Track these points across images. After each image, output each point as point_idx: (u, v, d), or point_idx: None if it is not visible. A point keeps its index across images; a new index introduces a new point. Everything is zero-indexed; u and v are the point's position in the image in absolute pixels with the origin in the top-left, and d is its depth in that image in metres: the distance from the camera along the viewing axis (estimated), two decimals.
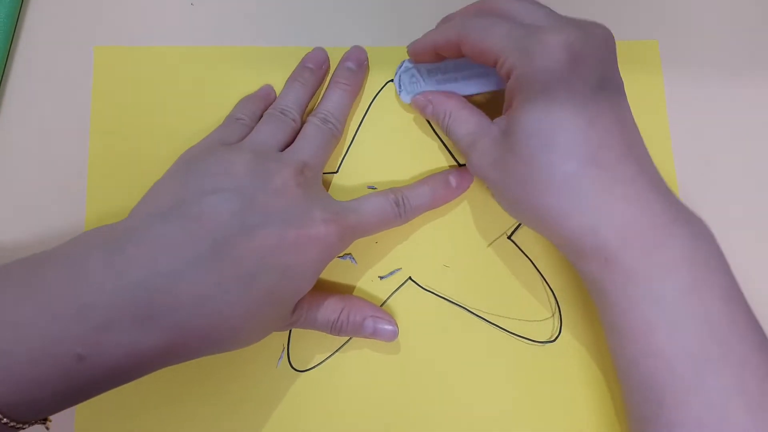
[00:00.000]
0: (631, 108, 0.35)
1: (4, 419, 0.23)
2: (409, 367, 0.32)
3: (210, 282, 0.25)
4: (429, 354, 0.33)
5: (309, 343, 0.33)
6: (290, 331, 0.33)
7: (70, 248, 0.25)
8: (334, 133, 0.33)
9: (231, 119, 0.33)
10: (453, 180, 0.33)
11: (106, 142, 0.34)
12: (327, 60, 0.35)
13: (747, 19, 0.37)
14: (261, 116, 0.33)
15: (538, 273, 0.33)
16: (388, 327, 0.31)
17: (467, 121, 0.31)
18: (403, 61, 0.34)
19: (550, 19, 0.28)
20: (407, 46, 0.33)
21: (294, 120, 0.32)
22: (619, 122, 0.27)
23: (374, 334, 0.31)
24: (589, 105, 0.26)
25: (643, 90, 0.35)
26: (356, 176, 0.34)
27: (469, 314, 0.33)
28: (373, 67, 0.35)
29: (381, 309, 0.32)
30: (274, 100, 0.34)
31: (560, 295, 0.33)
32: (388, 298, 0.33)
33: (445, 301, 0.33)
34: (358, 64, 0.34)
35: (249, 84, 0.35)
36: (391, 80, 0.35)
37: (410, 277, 0.33)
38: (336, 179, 0.34)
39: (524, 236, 0.34)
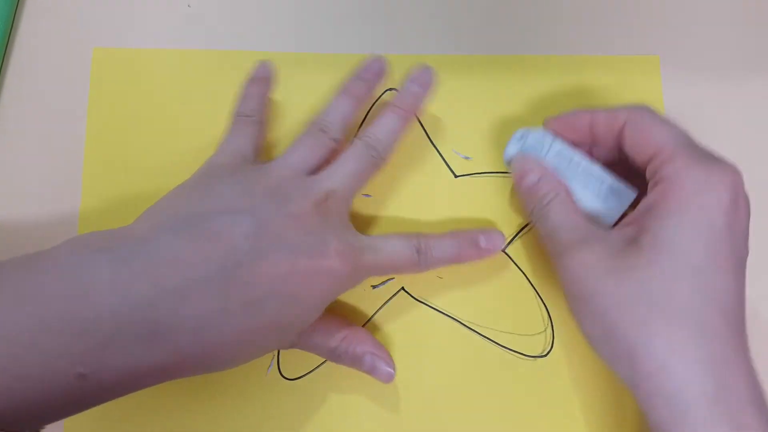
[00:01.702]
0: None
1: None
2: (400, 379, 0.32)
3: (215, 306, 0.24)
4: (420, 365, 0.32)
5: (299, 351, 0.32)
6: None
7: (73, 255, 0.24)
8: (377, 162, 0.30)
9: (240, 118, 0.32)
10: (483, 240, 0.30)
11: (101, 143, 0.34)
12: (385, 71, 0.32)
13: (747, 35, 0.36)
14: (267, 102, 0.33)
15: (531, 287, 0.33)
16: (386, 368, 0.30)
17: (573, 214, 0.28)
18: (527, 131, 0.31)
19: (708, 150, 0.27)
20: (549, 118, 0.30)
21: (334, 139, 0.30)
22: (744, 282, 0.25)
23: (371, 370, 0.30)
24: (738, 255, 0.25)
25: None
26: None
27: (461, 326, 0.33)
28: None
29: (383, 347, 0.31)
30: (275, 77, 0.33)
31: (553, 310, 0.33)
32: (380, 308, 0.33)
33: (438, 312, 0.33)
34: (424, 88, 0.32)
35: None
36: (391, 89, 0.35)
37: (403, 288, 0.33)
38: None
39: (518, 249, 0.34)
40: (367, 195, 0.34)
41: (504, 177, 0.34)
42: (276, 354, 0.32)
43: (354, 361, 0.30)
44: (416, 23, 0.36)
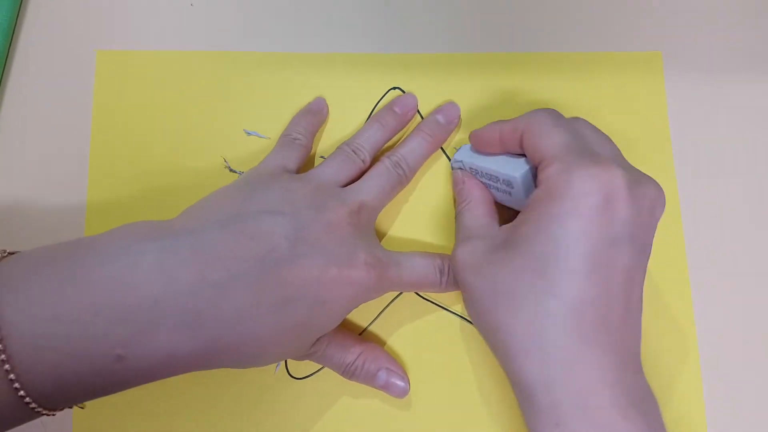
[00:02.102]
0: (633, 118, 0.35)
1: (38, 407, 0.23)
2: (408, 376, 0.32)
3: (251, 301, 0.25)
4: (427, 362, 0.33)
5: None
6: None
7: (121, 241, 0.25)
8: (402, 180, 0.32)
9: (287, 139, 0.33)
10: None
11: (107, 145, 0.34)
12: (415, 108, 0.35)
13: (750, 31, 0.36)
14: (315, 132, 0.34)
15: None
16: (400, 383, 0.31)
17: (478, 217, 0.31)
18: (463, 147, 0.34)
19: (610, 153, 0.28)
20: (470, 134, 0.32)
21: (363, 161, 0.32)
22: (626, 285, 0.25)
23: (385, 387, 0.31)
24: (600, 257, 0.24)
25: (646, 100, 0.35)
26: None
27: (467, 323, 0.33)
28: (376, 74, 0.35)
29: (397, 363, 0.32)
30: (326, 114, 0.35)
31: None
32: (386, 306, 0.33)
33: (444, 310, 0.33)
34: (448, 120, 0.34)
35: (250, 88, 0.35)
36: (395, 88, 0.35)
37: None
38: None
39: None
40: None
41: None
42: None
43: (368, 378, 0.31)
44: (416, 22, 0.36)
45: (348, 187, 0.31)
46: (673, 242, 0.34)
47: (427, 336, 0.33)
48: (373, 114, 0.35)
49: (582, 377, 0.24)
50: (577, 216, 0.24)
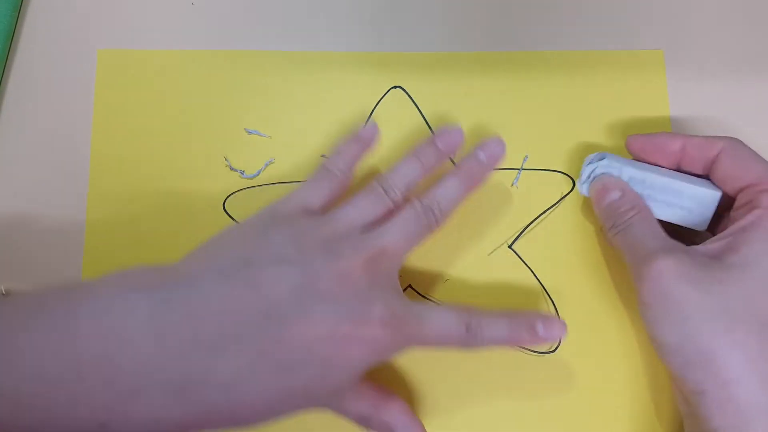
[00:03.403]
0: (635, 117, 0.35)
1: None
2: (408, 377, 0.32)
3: (248, 363, 0.24)
4: (427, 363, 0.33)
5: None
6: None
7: (113, 292, 0.24)
8: (431, 227, 0.29)
9: (324, 170, 0.31)
10: (540, 328, 0.28)
11: (108, 145, 0.34)
12: (460, 143, 0.32)
13: (751, 29, 0.36)
14: (358, 164, 0.32)
15: (538, 282, 0.33)
16: None
17: (656, 228, 0.28)
18: (598, 155, 0.31)
19: None
20: (633, 139, 0.31)
21: (394, 201, 0.29)
22: None
23: None
24: None
25: (647, 99, 0.35)
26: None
27: None
28: (377, 72, 0.35)
29: (415, 418, 0.29)
30: (376, 142, 0.32)
31: (560, 306, 0.33)
32: None
33: None
34: (491, 159, 0.31)
35: (251, 87, 0.35)
36: (397, 87, 0.35)
37: (410, 285, 0.33)
38: None
39: (525, 246, 0.34)
40: None
41: (509, 172, 0.34)
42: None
43: (383, 430, 0.28)
44: (418, 20, 0.36)
45: (371, 231, 0.28)
46: None
47: None
48: (371, 117, 0.35)
49: None
50: None
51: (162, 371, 0.23)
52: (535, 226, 0.34)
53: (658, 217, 0.29)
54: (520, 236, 0.34)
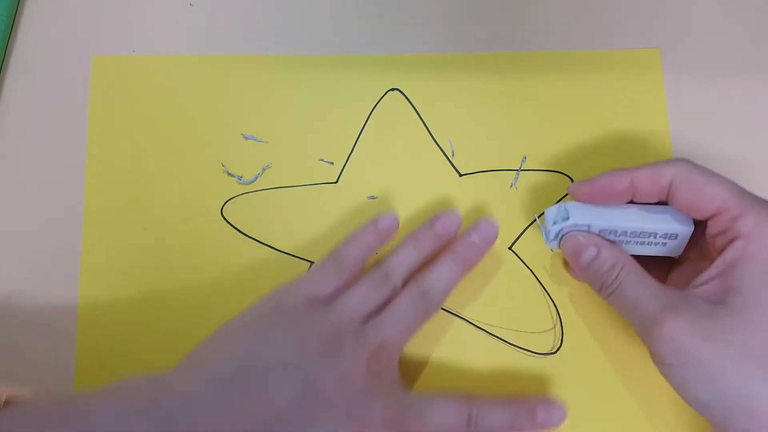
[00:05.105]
0: (633, 116, 0.35)
1: None
2: (410, 379, 0.32)
3: None
4: (429, 365, 0.32)
5: None
6: None
7: (113, 412, 0.24)
8: (429, 311, 0.30)
9: (335, 258, 0.30)
10: (541, 413, 0.28)
11: (103, 151, 0.34)
12: (457, 230, 0.31)
13: (748, 27, 0.36)
14: (372, 254, 0.31)
15: (539, 284, 0.33)
16: None
17: (647, 281, 0.27)
18: (562, 211, 0.30)
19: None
20: (576, 186, 0.29)
21: (396, 286, 0.30)
22: None
23: None
24: None
25: (645, 98, 0.35)
26: (356, 187, 0.34)
27: (470, 325, 0.33)
28: (375, 75, 0.35)
29: None
30: (395, 233, 0.31)
31: (561, 307, 0.33)
32: None
33: (446, 312, 0.33)
34: (484, 241, 0.31)
35: (247, 91, 0.35)
36: (394, 89, 0.35)
37: None
38: (336, 190, 0.34)
39: (525, 247, 0.34)
40: (372, 197, 0.34)
41: (507, 173, 0.34)
42: None
43: None
44: (414, 22, 0.36)
45: (371, 322, 0.28)
46: None
47: (428, 337, 0.33)
48: (368, 120, 0.35)
49: None
50: None
51: None
52: (534, 227, 0.34)
53: (633, 254, 0.29)
54: (519, 237, 0.34)
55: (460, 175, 0.34)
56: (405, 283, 0.30)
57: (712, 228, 0.27)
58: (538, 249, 0.33)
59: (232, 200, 0.34)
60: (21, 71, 0.35)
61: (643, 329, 0.27)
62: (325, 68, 0.35)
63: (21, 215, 0.34)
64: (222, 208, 0.34)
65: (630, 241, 0.29)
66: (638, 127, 0.35)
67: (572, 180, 0.34)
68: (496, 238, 0.32)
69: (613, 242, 0.29)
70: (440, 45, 0.36)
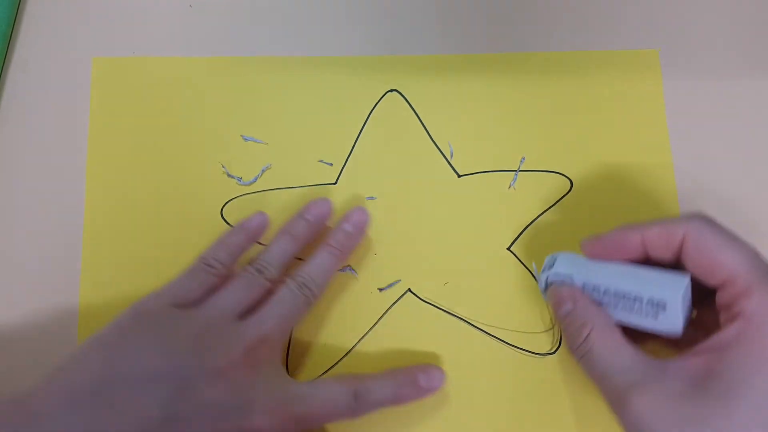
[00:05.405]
0: (631, 117, 0.35)
1: None
2: None
3: None
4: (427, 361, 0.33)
5: (309, 352, 0.33)
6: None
7: None
8: (309, 302, 0.30)
9: (200, 265, 0.30)
10: (422, 379, 0.29)
11: (104, 154, 0.34)
12: (329, 214, 0.32)
13: (746, 28, 0.36)
14: (242, 254, 0.31)
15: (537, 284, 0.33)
16: None
17: (619, 350, 0.25)
18: (551, 259, 0.29)
19: None
20: (587, 242, 0.28)
21: (270, 280, 0.29)
22: None
23: None
24: None
25: (643, 99, 0.35)
26: (355, 188, 0.34)
27: (469, 326, 0.33)
28: (373, 76, 0.35)
29: None
30: (265, 231, 0.32)
31: None
32: (387, 310, 0.33)
33: (445, 312, 0.33)
34: (357, 229, 0.32)
35: (247, 93, 0.35)
36: (393, 90, 0.35)
37: (409, 289, 0.33)
38: (335, 191, 0.34)
39: (524, 247, 0.34)
40: (371, 197, 0.34)
41: (506, 173, 0.34)
42: (286, 351, 0.32)
43: None
44: (412, 24, 0.36)
45: (248, 319, 0.28)
46: None
47: (427, 338, 0.33)
48: (367, 121, 0.35)
49: None
50: None
51: None
52: (533, 227, 0.34)
53: (624, 323, 0.27)
54: (518, 238, 0.34)
55: (459, 176, 0.34)
56: (281, 276, 0.30)
57: (720, 298, 0.25)
58: (536, 249, 0.34)
59: (232, 201, 0.34)
60: (21, 71, 0.35)
61: (613, 403, 0.25)
62: (324, 70, 0.35)
63: (22, 216, 0.34)
64: (222, 209, 0.34)
65: (617, 305, 0.27)
66: (637, 127, 0.35)
67: (570, 181, 0.34)
68: (367, 224, 0.32)
69: (599, 303, 0.27)
70: (438, 46, 0.36)
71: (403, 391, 0.29)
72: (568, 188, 0.34)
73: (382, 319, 0.33)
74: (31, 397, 0.24)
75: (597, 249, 0.28)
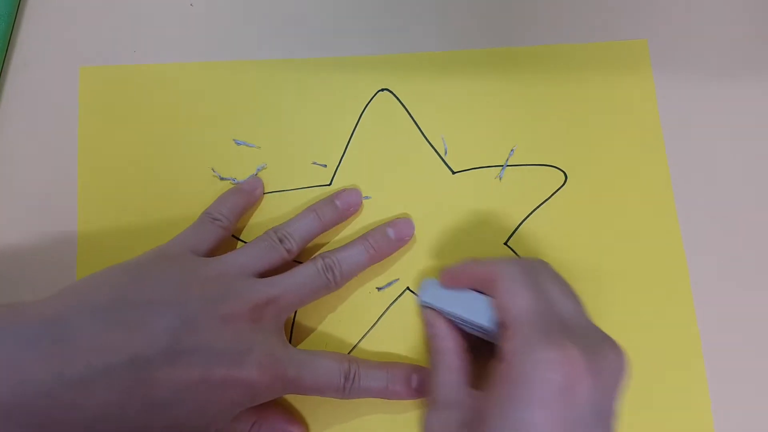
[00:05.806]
0: (623, 109, 0.35)
1: None
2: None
3: (116, 401, 0.23)
4: (425, 363, 0.32)
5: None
6: None
7: None
8: (330, 286, 0.30)
9: (206, 218, 0.31)
10: (414, 381, 0.30)
11: (94, 162, 0.34)
12: (358, 205, 0.33)
13: (737, 17, 0.37)
14: (242, 213, 0.32)
15: None
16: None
17: (452, 375, 0.27)
18: (423, 284, 0.31)
19: (574, 318, 0.25)
20: (440, 271, 0.30)
21: (289, 251, 0.30)
22: None
23: None
24: None
25: (634, 89, 0.35)
26: None
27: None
28: (364, 76, 0.35)
29: (293, 419, 0.30)
30: (261, 196, 0.33)
31: None
32: (386, 310, 0.33)
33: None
34: (398, 237, 0.32)
35: (237, 97, 0.35)
36: (384, 89, 0.35)
37: (408, 288, 0.33)
38: (330, 192, 0.34)
39: (520, 242, 0.34)
40: (366, 197, 0.34)
41: (500, 169, 0.34)
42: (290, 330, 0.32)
43: None
44: (402, 22, 0.36)
45: (265, 278, 0.28)
46: (670, 235, 0.34)
47: (425, 338, 0.33)
48: (360, 120, 0.35)
49: None
50: (539, 403, 0.23)
51: (26, 413, 0.22)
52: (529, 221, 0.34)
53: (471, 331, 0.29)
54: (515, 233, 0.34)
55: (453, 173, 0.34)
56: (300, 250, 0.30)
57: (501, 339, 0.26)
58: (533, 244, 0.34)
59: None
60: (21, 72, 0.35)
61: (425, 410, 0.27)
62: (313, 71, 0.35)
63: (15, 227, 0.33)
64: None
65: (460, 323, 0.29)
66: (628, 118, 0.35)
67: (565, 174, 0.34)
68: (409, 239, 0.32)
69: (452, 328, 0.29)
70: (428, 43, 0.36)
71: (394, 387, 0.29)
72: (563, 181, 0.34)
73: (381, 318, 0.33)
74: (48, 303, 0.25)
75: (446, 279, 0.30)
